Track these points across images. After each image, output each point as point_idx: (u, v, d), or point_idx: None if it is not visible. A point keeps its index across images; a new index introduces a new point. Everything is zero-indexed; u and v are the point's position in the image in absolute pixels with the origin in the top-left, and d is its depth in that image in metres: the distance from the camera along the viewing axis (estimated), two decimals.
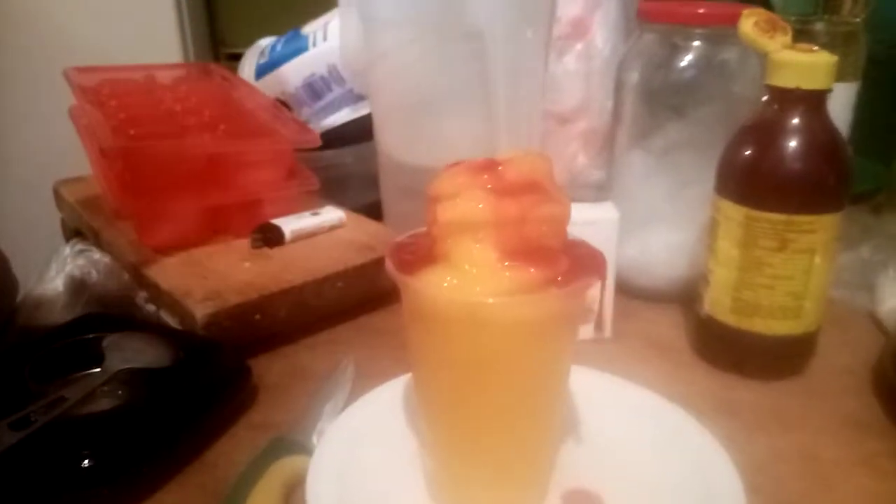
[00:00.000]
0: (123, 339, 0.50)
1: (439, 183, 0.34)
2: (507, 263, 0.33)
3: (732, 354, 0.54)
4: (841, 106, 0.74)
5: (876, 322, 0.61)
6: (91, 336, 0.50)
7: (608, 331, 0.59)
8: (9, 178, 1.70)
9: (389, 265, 0.35)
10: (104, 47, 1.79)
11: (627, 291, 0.64)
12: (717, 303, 0.53)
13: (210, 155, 0.65)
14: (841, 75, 0.73)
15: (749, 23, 0.50)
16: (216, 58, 2.17)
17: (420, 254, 0.35)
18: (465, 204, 0.33)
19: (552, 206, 0.34)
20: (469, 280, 0.33)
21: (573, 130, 0.88)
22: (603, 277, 0.34)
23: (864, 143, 0.86)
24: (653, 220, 0.65)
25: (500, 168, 0.34)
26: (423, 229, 0.37)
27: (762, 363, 0.53)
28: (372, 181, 0.77)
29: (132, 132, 0.65)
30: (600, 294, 0.58)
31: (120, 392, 0.46)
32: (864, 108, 0.78)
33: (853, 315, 0.62)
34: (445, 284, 0.33)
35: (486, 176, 0.34)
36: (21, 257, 0.90)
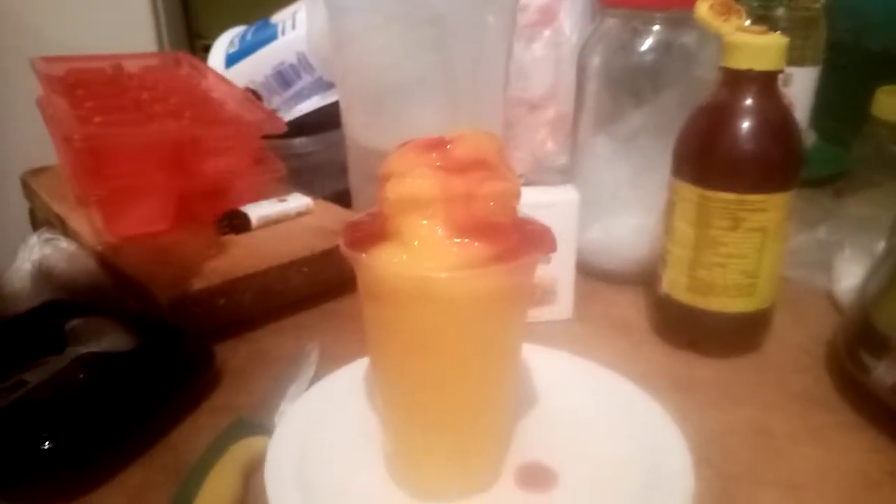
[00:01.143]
0: (86, 323, 0.50)
1: (389, 161, 0.35)
2: (455, 240, 0.33)
3: (689, 332, 0.55)
4: (802, 90, 0.76)
5: (832, 301, 0.63)
6: (54, 322, 0.50)
7: (570, 311, 0.60)
8: None
9: (343, 242, 0.36)
10: (78, 41, 1.77)
11: (590, 273, 0.65)
12: (674, 282, 0.54)
13: (175, 141, 0.65)
14: (801, 60, 0.75)
15: (704, 6, 0.52)
16: (192, 50, 2.16)
17: (372, 232, 0.36)
18: (413, 181, 0.34)
19: (499, 182, 0.34)
20: (418, 256, 0.33)
21: (542, 117, 0.89)
22: (551, 251, 0.35)
23: (827, 128, 0.87)
24: (616, 203, 0.66)
25: (448, 146, 0.35)
26: (376, 210, 0.37)
27: (718, 340, 0.54)
28: (341, 169, 0.77)
29: (97, 120, 0.65)
30: (562, 275, 0.59)
31: (82, 376, 0.46)
32: (828, 94, 0.79)
33: (810, 294, 0.64)
34: (395, 261, 0.34)
35: (434, 154, 0.34)
36: None
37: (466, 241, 0.33)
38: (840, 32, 0.82)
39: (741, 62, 0.49)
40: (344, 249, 0.35)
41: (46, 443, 0.40)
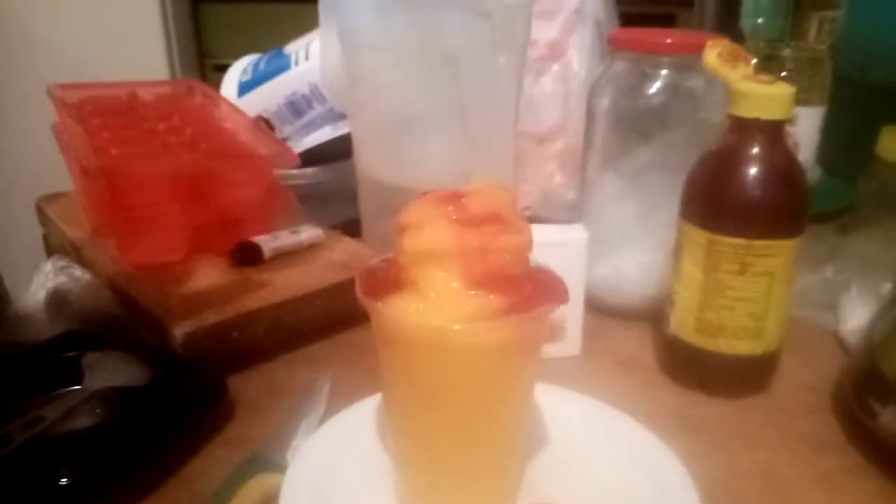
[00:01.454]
0: (102, 357, 0.51)
1: (407, 213, 0.36)
2: (470, 291, 0.34)
3: (697, 373, 0.56)
4: (808, 130, 0.77)
5: (839, 341, 0.63)
6: (71, 354, 0.51)
7: (578, 348, 0.61)
8: None
9: (359, 289, 0.37)
10: (90, 58, 1.80)
11: (599, 309, 0.66)
12: (682, 323, 0.55)
13: (192, 174, 0.66)
14: (807, 100, 0.76)
15: (713, 53, 0.53)
16: (202, 69, 2.19)
17: (389, 280, 0.37)
18: (431, 234, 0.34)
19: (513, 236, 0.35)
20: (434, 306, 0.34)
21: (550, 150, 0.90)
22: (563, 302, 0.36)
23: (832, 162, 0.88)
24: (624, 240, 0.66)
25: (464, 199, 0.36)
26: (392, 255, 0.38)
27: (725, 381, 0.55)
28: (352, 198, 0.78)
29: (114, 151, 0.66)
30: (570, 313, 0.60)
31: (98, 410, 0.47)
32: (833, 128, 0.80)
33: (817, 334, 0.64)
34: (412, 310, 0.34)
35: (450, 207, 0.35)
36: (5, 272, 0.91)
37: (481, 292, 0.34)
38: (844, 66, 0.83)
39: (749, 111, 0.50)
40: (361, 297, 0.36)
41: (64, 479, 0.41)
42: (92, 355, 0.51)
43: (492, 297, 0.34)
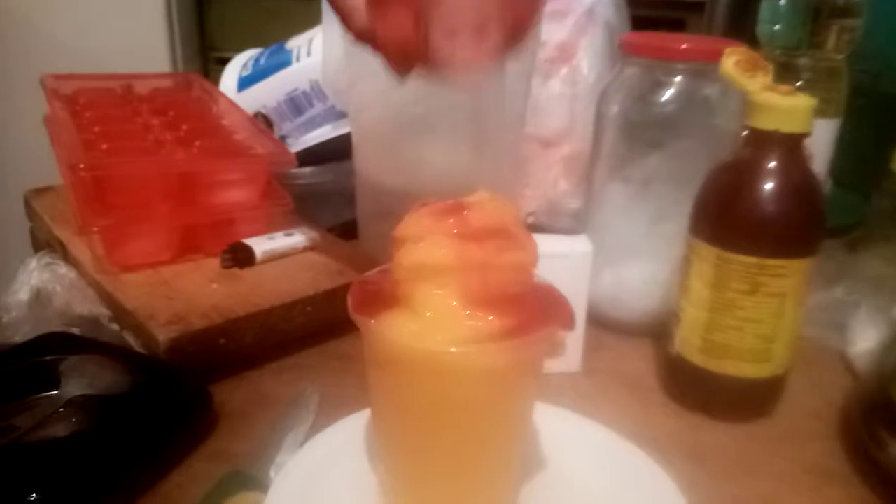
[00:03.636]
0: (81, 362, 0.48)
1: (404, 225, 0.34)
2: (468, 311, 0.32)
3: (701, 395, 0.53)
4: (823, 142, 0.74)
5: (847, 363, 0.61)
6: (49, 358, 0.49)
7: (578, 364, 0.59)
8: None
9: (351, 305, 0.35)
10: (91, 51, 1.79)
11: (600, 323, 0.64)
12: (687, 342, 0.53)
13: (183, 173, 0.63)
14: (823, 111, 0.73)
15: (730, 62, 0.50)
16: (205, 62, 2.17)
17: (383, 295, 0.35)
18: (429, 249, 0.32)
19: (517, 252, 0.33)
20: (429, 327, 0.32)
21: (556, 154, 0.88)
22: (568, 328, 0.34)
23: (844, 174, 0.86)
24: (629, 252, 0.64)
25: (465, 212, 0.33)
26: (387, 266, 0.36)
27: (730, 405, 0.53)
28: (350, 199, 0.76)
29: (105, 147, 0.64)
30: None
31: (74, 419, 0.45)
32: (846, 139, 0.78)
33: (825, 355, 0.62)
34: (406, 330, 0.32)
35: (451, 220, 0.33)
36: None
37: (480, 313, 0.32)
38: (863, 76, 0.81)
39: (767, 123, 0.48)
40: (352, 313, 0.34)
41: (33, 494, 0.39)
42: (70, 360, 0.48)
43: (491, 318, 0.32)
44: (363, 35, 0.40)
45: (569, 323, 0.34)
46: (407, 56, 0.37)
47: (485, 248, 0.32)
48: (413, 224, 0.34)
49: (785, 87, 0.49)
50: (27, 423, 0.43)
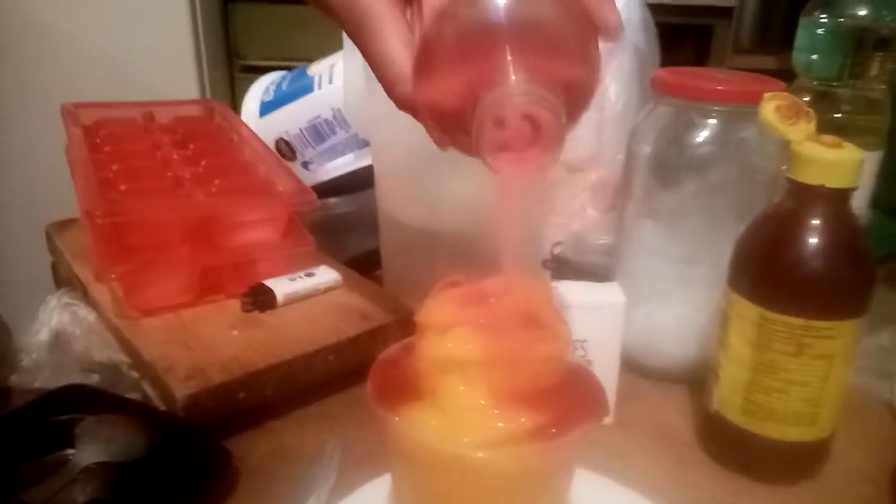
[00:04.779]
0: (97, 424, 0.47)
1: (427, 312, 0.32)
2: (496, 410, 0.30)
3: (742, 456, 0.51)
4: (864, 176, 0.71)
5: (894, 415, 0.58)
6: (64, 418, 0.48)
7: (611, 417, 0.56)
8: (5, 215, 1.70)
9: (371, 392, 0.33)
10: (118, 59, 1.79)
11: (633, 369, 0.61)
12: (727, 401, 0.50)
13: (203, 215, 0.62)
14: (864, 144, 0.70)
15: (770, 108, 0.47)
16: (231, 69, 2.16)
17: (405, 382, 0.32)
18: (454, 343, 0.30)
19: (548, 344, 0.31)
20: (455, 425, 0.30)
21: (583, 181, 0.85)
22: (602, 418, 0.31)
23: (881, 198, 0.82)
24: (662, 294, 0.62)
25: (493, 299, 0.31)
26: (410, 342, 0.34)
27: (773, 468, 0.50)
28: (374, 227, 0.74)
29: (123, 188, 0.63)
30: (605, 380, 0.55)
31: (88, 489, 0.43)
32: (889, 165, 0.75)
33: (871, 406, 0.59)
34: (430, 429, 0.30)
35: (478, 308, 0.31)
36: (14, 298, 0.88)
37: (509, 411, 0.30)
38: None
39: (811, 177, 0.45)
40: (373, 403, 0.32)
41: None
42: (86, 423, 0.47)
43: (522, 418, 0.30)
44: (407, 105, 0.37)
45: (604, 413, 0.32)
46: (450, 128, 0.35)
47: (514, 339, 0.30)
48: (438, 311, 0.31)
49: (830, 138, 0.46)
50: (41, 495, 0.41)
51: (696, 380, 0.58)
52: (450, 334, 0.30)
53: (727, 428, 0.51)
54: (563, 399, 0.31)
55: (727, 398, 0.50)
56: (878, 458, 0.53)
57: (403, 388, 0.32)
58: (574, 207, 0.85)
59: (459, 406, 0.30)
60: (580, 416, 0.31)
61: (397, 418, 0.31)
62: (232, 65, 2.20)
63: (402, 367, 0.34)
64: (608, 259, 0.70)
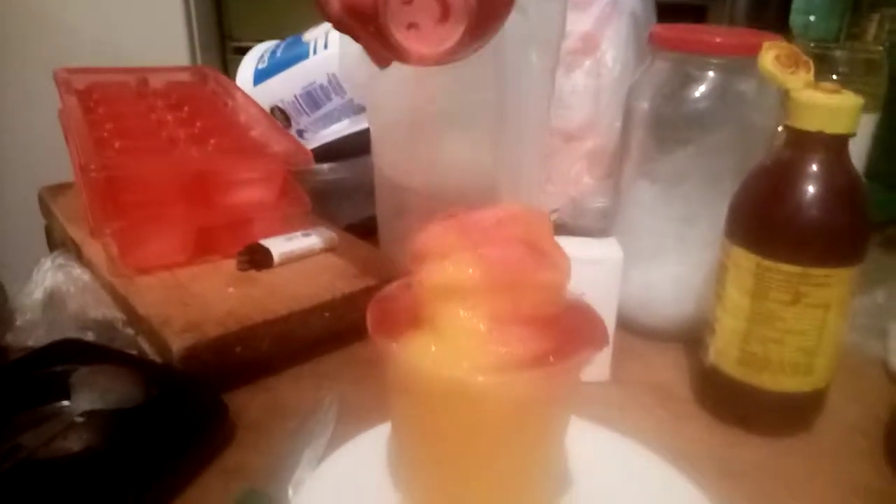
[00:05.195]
0: (93, 374, 0.47)
1: (426, 240, 0.32)
2: (496, 336, 0.30)
3: (737, 408, 0.51)
4: (859, 139, 0.71)
5: (889, 373, 0.58)
6: (60, 369, 0.47)
7: (607, 373, 0.56)
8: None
9: (371, 324, 0.32)
10: (110, 41, 1.77)
11: (629, 328, 0.61)
12: (723, 353, 0.50)
13: (198, 172, 0.62)
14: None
15: (769, 57, 0.47)
16: (223, 52, 2.15)
17: (404, 313, 0.32)
18: (454, 268, 0.30)
19: (549, 272, 0.31)
20: (455, 352, 0.30)
21: (579, 149, 0.85)
22: (602, 348, 0.31)
23: (876, 168, 0.82)
24: (658, 253, 0.62)
25: (492, 227, 0.31)
26: (409, 279, 0.34)
27: (768, 419, 0.50)
28: (369, 195, 0.74)
29: (117, 145, 0.62)
30: None
31: (85, 436, 0.43)
32: (884, 133, 0.75)
33: (865, 364, 0.59)
34: (429, 355, 0.30)
35: (478, 236, 0.31)
36: (6, 262, 0.87)
37: (510, 337, 0.30)
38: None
39: (810, 123, 0.45)
40: (373, 334, 0.32)
41: None
42: (81, 371, 0.47)
43: (522, 342, 0.30)
44: (340, 21, 0.40)
45: (603, 343, 0.32)
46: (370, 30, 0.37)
47: (515, 266, 0.30)
48: (436, 239, 0.31)
49: (829, 85, 0.46)
50: (37, 439, 0.41)
51: (691, 339, 0.58)
52: (450, 259, 0.30)
53: (723, 380, 0.51)
54: (564, 328, 0.31)
55: (723, 350, 0.50)
56: (873, 414, 0.53)
57: (402, 320, 0.32)
58: (570, 176, 0.85)
59: (459, 332, 0.30)
60: (580, 344, 0.31)
61: (396, 344, 0.31)
62: (224, 47, 2.18)
63: (401, 301, 0.34)
64: (605, 222, 0.70)
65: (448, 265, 0.30)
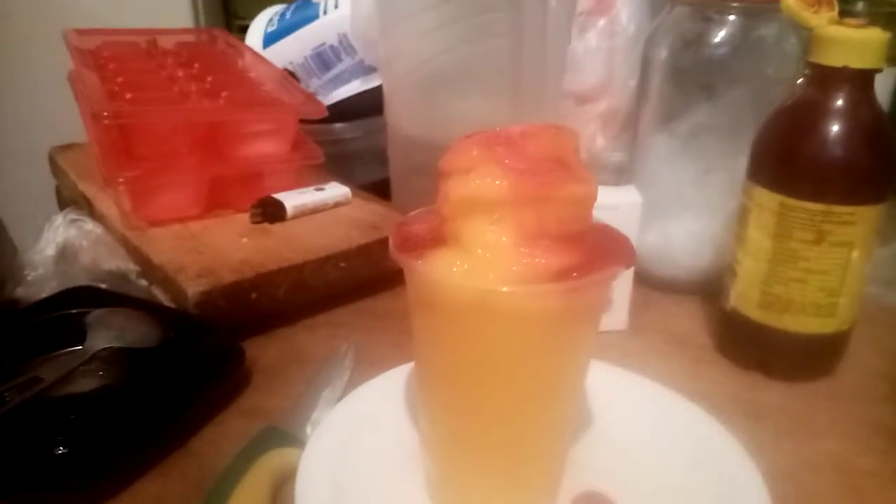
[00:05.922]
0: (108, 315, 0.46)
1: (451, 156, 0.31)
2: (522, 249, 0.29)
3: (758, 352, 0.50)
4: (881, 92, 0.70)
5: None
6: (74, 311, 0.47)
7: (625, 322, 0.56)
8: (7, 143, 1.68)
9: (393, 245, 0.32)
10: (113, 17, 1.76)
11: (647, 281, 0.61)
12: (744, 296, 0.50)
13: (211, 123, 0.61)
14: None
15: None
16: (228, 28, 2.14)
17: (427, 234, 0.32)
18: (480, 180, 0.29)
19: (577, 185, 0.30)
20: (481, 265, 0.29)
21: (593, 111, 0.84)
22: (629, 265, 0.31)
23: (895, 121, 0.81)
24: (676, 206, 0.61)
25: (520, 141, 0.30)
26: (432, 206, 0.33)
27: (790, 363, 0.50)
28: (382, 157, 0.73)
29: (129, 97, 0.62)
30: (619, 283, 0.54)
31: (101, 373, 0.43)
32: None
33: (885, 313, 0.59)
34: (454, 269, 0.29)
35: (503, 149, 0.30)
36: (17, 224, 0.87)
37: (536, 250, 0.29)
38: None
39: (835, 58, 0.44)
40: (394, 253, 0.31)
41: (59, 448, 0.37)
42: (97, 313, 0.46)
43: (548, 256, 0.29)
44: None
45: (630, 259, 0.31)
46: None
47: (541, 180, 0.29)
48: (461, 155, 0.31)
49: (853, 21, 0.45)
50: (52, 375, 0.41)
51: (708, 291, 0.58)
52: (476, 171, 0.29)
53: (744, 324, 0.50)
54: (591, 245, 0.31)
55: (744, 293, 0.50)
56: (893, 360, 0.53)
57: (425, 239, 0.31)
58: (585, 137, 0.84)
59: (485, 246, 0.29)
60: (607, 260, 0.30)
61: (420, 261, 0.30)
62: (229, 25, 2.17)
63: (424, 225, 0.33)
64: (622, 178, 0.69)
65: (473, 178, 0.29)
